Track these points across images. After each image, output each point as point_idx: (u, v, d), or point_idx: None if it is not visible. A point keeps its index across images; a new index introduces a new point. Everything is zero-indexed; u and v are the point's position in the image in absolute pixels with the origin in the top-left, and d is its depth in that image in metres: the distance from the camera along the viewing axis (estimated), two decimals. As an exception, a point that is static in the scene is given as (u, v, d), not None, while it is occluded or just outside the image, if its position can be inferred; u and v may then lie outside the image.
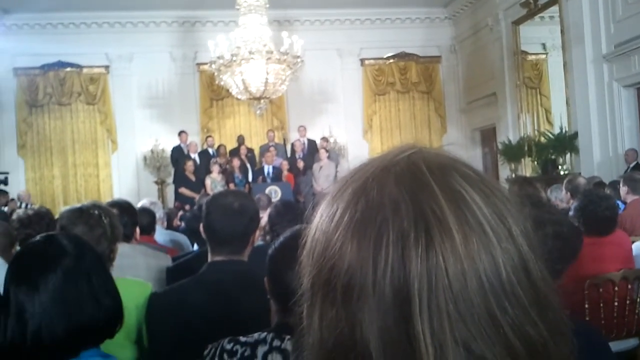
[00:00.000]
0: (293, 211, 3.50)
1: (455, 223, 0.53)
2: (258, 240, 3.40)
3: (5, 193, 10.18)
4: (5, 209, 8.99)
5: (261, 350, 1.45)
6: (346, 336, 0.54)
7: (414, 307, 0.51)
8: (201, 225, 2.30)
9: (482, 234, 0.53)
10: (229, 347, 1.49)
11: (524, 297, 0.54)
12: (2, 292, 1.53)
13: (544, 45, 12.67)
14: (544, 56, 12.76)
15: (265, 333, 1.49)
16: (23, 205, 9.48)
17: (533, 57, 12.81)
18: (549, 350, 0.54)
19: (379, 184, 0.57)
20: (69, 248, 1.50)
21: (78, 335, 1.43)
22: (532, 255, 0.56)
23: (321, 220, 0.60)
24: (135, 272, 2.73)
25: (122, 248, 2.54)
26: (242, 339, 1.49)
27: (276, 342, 1.45)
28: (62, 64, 13.17)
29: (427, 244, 0.52)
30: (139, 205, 4.88)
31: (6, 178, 9.87)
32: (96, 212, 2.31)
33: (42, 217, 3.72)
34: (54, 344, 1.39)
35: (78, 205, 2.39)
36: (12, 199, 10.11)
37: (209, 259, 2.27)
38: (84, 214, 2.27)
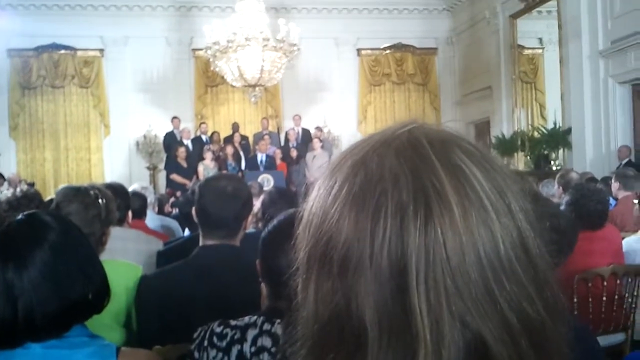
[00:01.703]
0: (286, 198, 3.48)
1: (455, 197, 0.52)
2: (250, 228, 3.39)
3: (0, 176, 10.10)
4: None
5: (251, 333, 1.44)
6: (341, 309, 0.54)
7: (410, 280, 0.51)
8: (193, 209, 2.28)
9: (481, 209, 0.53)
10: (218, 330, 1.48)
11: (521, 274, 0.53)
12: None
13: (540, 40, 12.69)
14: (540, 51, 12.78)
15: (255, 317, 1.48)
16: (10, 189, 9.38)
17: (529, 51, 12.84)
18: (545, 328, 0.54)
19: (378, 157, 0.56)
20: (52, 224, 1.48)
21: (69, 310, 1.42)
22: (531, 232, 0.56)
23: (319, 193, 0.59)
24: (124, 256, 2.72)
25: (114, 231, 2.53)
26: (232, 322, 1.49)
27: (266, 326, 1.44)
28: (56, 46, 13.08)
29: (426, 217, 0.51)
30: (130, 189, 4.86)
31: (-3, 159, 9.82)
32: (92, 192, 2.30)
33: (31, 200, 3.68)
34: (46, 320, 1.38)
35: (76, 184, 2.38)
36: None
37: (201, 243, 2.25)
38: (80, 193, 2.26)
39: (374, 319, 0.52)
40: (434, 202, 0.52)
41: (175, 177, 11.26)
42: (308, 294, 0.59)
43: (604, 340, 3.32)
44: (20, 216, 1.53)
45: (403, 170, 0.54)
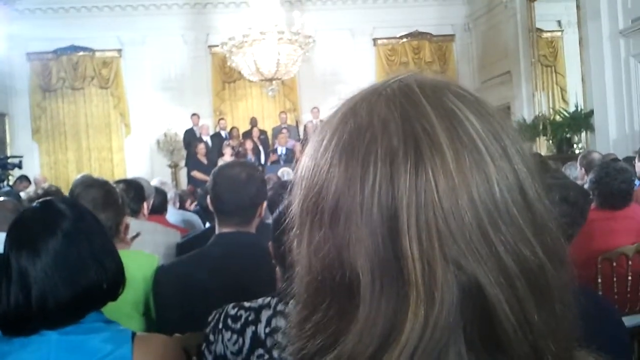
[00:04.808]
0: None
1: (447, 140, 0.51)
2: (269, 220, 3.38)
3: (26, 178, 10.27)
4: (22, 194, 9.05)
5: (265, 314, 1.44)
6: (333, 258, 0.53)
7: (401, 223, 0.49)
8: (208, 197, 2.29)
9: (474, 151, 0.51)
10: (233, 312, 1.48)
11: (518, 217, 0.51)
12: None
13: (559, 22, 12.48)
14: (559, 33, 12.57)
15: (269, 298, 1.47)
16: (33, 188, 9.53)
17: (548, 34, 12.62)
18: (545, 272, 0.52)
19: (368, 106, 0.55)
20: (66, 212, 1.48)
21: (82, 298, 1.42)
22: (528, 175, 0.54)
23: (311, 147, 0.59)
24: (141, 248, 2.73)
25: (131, 224, 2.54)
26: (246, 304, 1.48)
27: (280, 307, 1.44)
28: (74, 48, 13.17)
29: (417, 161, 0.50)
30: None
31: (20, 162, 9.90)
32: (109, 183, 2.37)
33: (51, 196, 3.74)
34: (58, 308, 1.39)
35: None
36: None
37: (217, 231, 2.26)
38: (99, 181, 2.33)
39: (365, 265, 0.51)
40: (425, 146, 0.50)
41: (196, 174, 11.32)
42: (301, 249, 0.58)
43: (630, 321, 3.25)
44: (34, 204, 1.54)
45: (393, 116, 0.53)
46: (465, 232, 0.49)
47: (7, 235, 1.48)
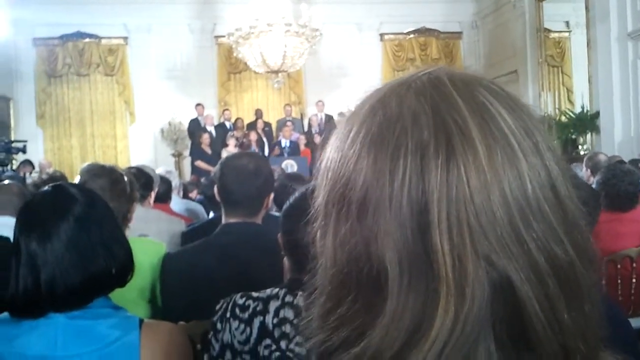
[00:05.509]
0: (299, 183, 3.45)
1: (479, 134, 0.50)
2: (273, 212, 3.37)
3: (29, 163, 10.26)
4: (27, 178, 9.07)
5: (273, 305, 1.44)
6: (360, 251, 0.52)
7: (432, 218, 0.49)
8: (215, 187, 2.28)
9: (506, 147, 0.50)
10: (241, 302, 1.48)
11: (550, 214, 0.51)
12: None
13: (567, 23, 12.45)
14: (567, 34, 12.55)
15: (277, 289, 1.47)
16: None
17: (556, 34, 12.60)
18: (575, 271, 0.51)
19: (397, 97, 0.54)
20: (78, 196, 1.48)
21: (91, 284, 1.42)
22: (560, 172, 0.53)
23: (337, 138, 0.57)
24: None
25: (137, 211, 2.54)
26: (255, 294, 1.48)
27: (288, 298, 1.43)
28: (81, 35, 13.14)
29: (448, 155, 0.49)
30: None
31: (24, 146, 9.88)
32: (117, 170, 2.34)
33: (56, 181, 3.74)
34: (68, 293, 1.39)
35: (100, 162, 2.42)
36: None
37: (223, 222, 2.25)
38: (106, 169, 2.30)
39: (394, 259, 0.50)
40: (457, 140, 0.50)
41: (200, 163, 11.32)
42: (326, 240, 0.57)
43: (634, 323, 3.25)
44: (46, 188, 1.54)
45: (423, 108, 0.52)
46: (496, 228, 0.49)
47: (17, 219, 1.47)
